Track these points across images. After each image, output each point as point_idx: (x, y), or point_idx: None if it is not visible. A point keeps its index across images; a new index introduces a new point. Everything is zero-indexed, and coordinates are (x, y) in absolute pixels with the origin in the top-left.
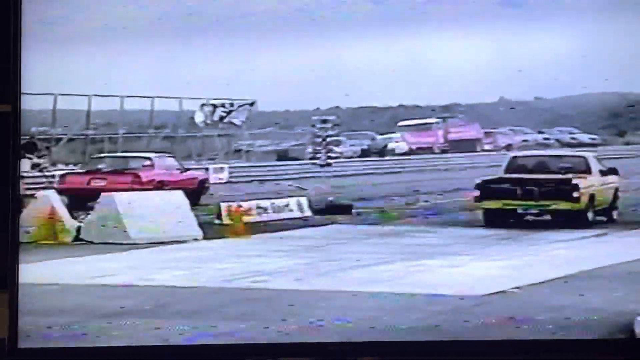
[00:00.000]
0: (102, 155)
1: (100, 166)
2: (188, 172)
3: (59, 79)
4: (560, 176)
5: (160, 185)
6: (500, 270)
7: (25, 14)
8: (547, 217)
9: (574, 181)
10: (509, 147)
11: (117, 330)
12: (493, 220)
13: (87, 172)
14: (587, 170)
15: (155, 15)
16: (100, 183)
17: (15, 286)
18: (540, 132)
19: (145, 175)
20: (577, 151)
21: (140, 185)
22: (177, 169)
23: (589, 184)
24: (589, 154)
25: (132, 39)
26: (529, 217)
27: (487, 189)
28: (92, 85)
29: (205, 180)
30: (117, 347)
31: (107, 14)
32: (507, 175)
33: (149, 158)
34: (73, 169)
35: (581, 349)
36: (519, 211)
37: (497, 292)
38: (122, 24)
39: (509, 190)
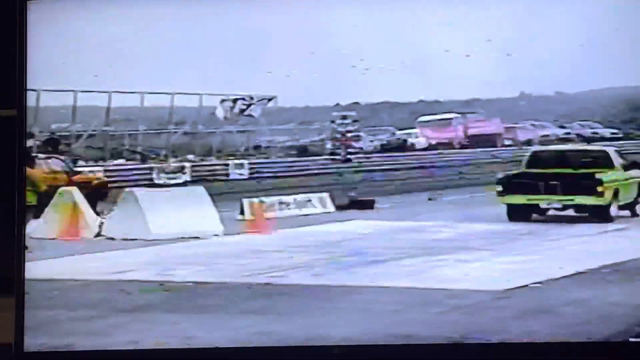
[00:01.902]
0: None
1: None
2: (79, 176)
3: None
4: (583, 170)
5: None
6: (522, 264)
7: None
8: (571, 211)
9: (597, 175)
10: (529, 142)
11: (137, 324)
12: (516, 214)
13: None
14: (610, 165)
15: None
16: None
17: (22, 289)
18: (561, 127)
19: None
20: (598, 145)
21: None
22: (65, 171)
23: (612, 178)
24: (611, 148)
25: (144, 39)
26: (552, 212)
27: (509, 184)
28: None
29: (104, 185)
30: (123, 350)
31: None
32: (530, 170)
33: None
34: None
35: (580, 351)
36: (542, 206)
37: (519, 287)
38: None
39: (532, 184)
